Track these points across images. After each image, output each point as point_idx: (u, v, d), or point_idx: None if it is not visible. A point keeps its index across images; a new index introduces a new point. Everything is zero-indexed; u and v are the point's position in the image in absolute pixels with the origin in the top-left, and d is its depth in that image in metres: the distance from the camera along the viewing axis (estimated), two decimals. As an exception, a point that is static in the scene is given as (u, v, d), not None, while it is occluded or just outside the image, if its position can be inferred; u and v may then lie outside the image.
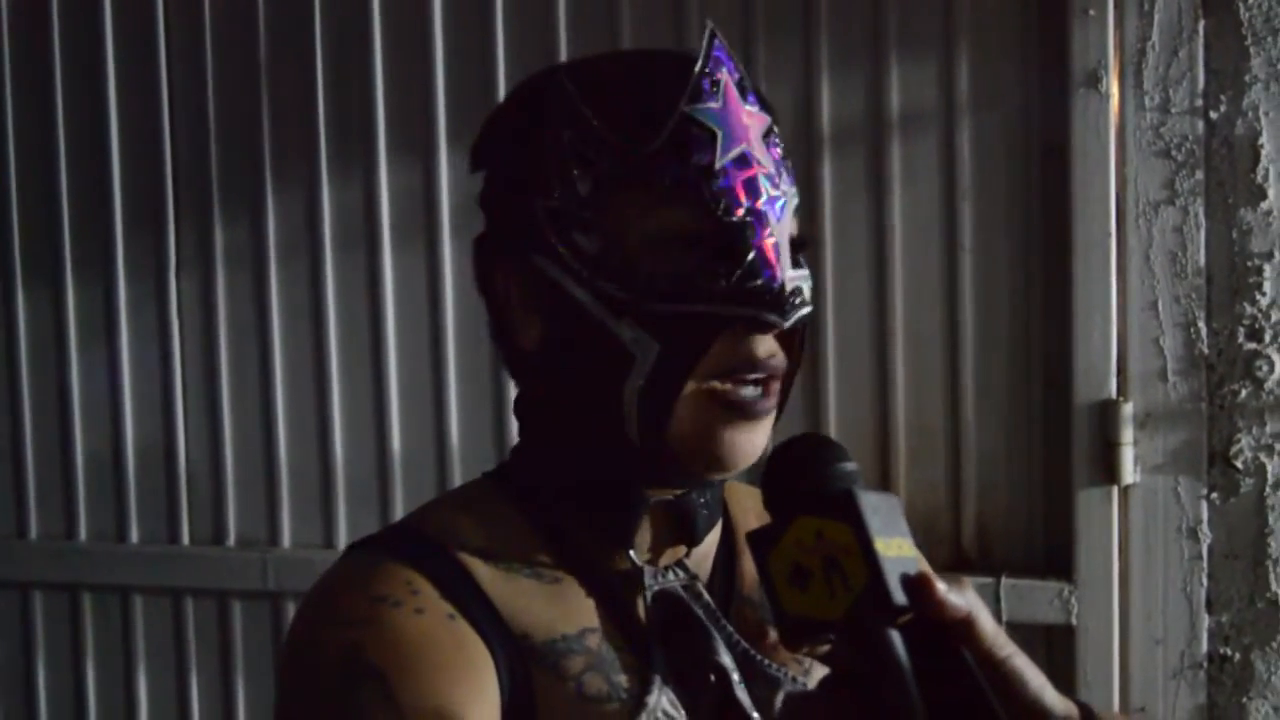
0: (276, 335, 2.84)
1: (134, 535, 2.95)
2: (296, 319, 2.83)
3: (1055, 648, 2.44)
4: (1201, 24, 2.36)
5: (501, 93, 2.65)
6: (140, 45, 2.89)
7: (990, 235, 2.48)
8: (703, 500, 1.21)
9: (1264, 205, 2.35)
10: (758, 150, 1.15)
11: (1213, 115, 2.37)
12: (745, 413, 1.14)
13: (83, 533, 2.99)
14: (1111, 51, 2.37)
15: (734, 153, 1.13)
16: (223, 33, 2.85)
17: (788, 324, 1.14)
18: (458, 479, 2.70)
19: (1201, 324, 2.38)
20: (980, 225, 2.49)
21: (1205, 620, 2.40)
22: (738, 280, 1.12)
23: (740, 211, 1.12)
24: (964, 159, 2.48)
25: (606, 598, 1.19)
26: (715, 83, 1.15)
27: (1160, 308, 2.38)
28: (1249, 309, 2.37)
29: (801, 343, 1.18)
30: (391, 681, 1.08)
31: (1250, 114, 2.35)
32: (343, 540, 2.78)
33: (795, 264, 1.17)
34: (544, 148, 1.16)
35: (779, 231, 1.14)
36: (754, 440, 1.16)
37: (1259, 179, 2.35)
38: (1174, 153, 2.37)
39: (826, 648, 1.05)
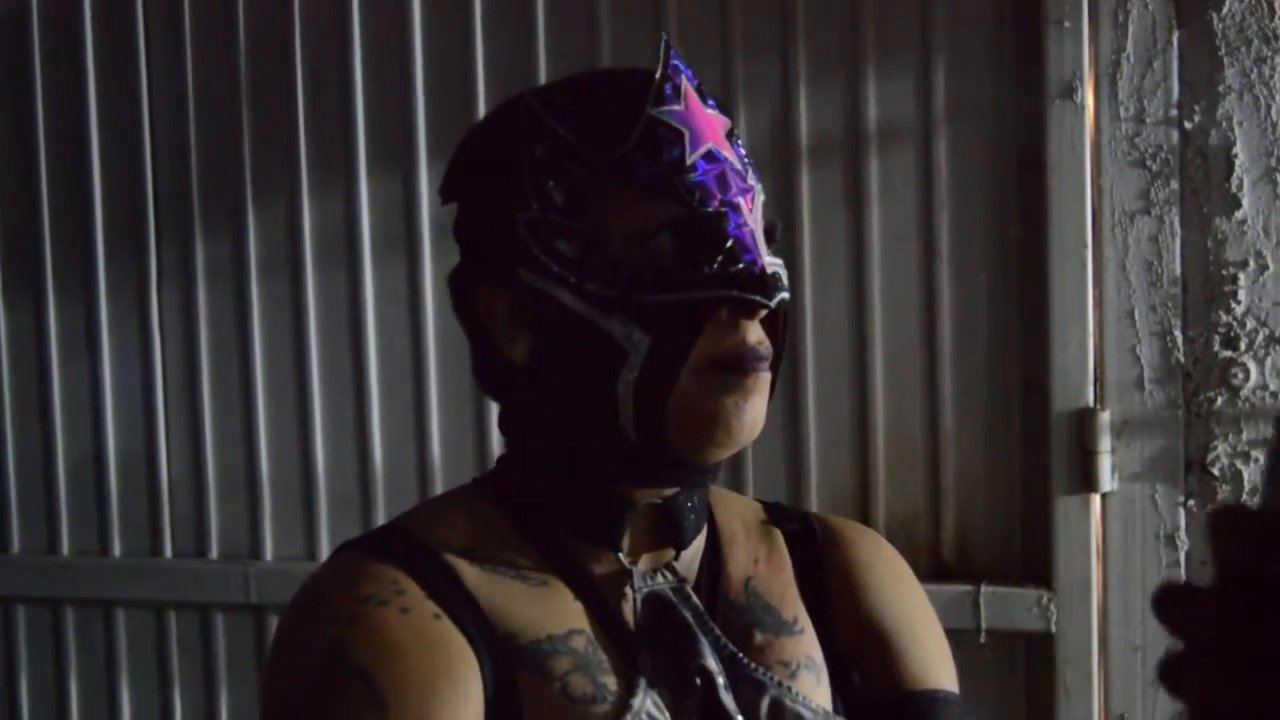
0: (258, 349, 2.84)
1: (116, 549, 2.95)
2: (278, 333, 2.83)
3: (1034, 655, 2.45)
4: (1175, 35, 2.38)
5: (481, 108, 2.66)
6: (121, 61, 2.90)
7: (967, 246, 2.50)
8: (690, 503, 1.22)
9: (1238, 214, 2.37)
10: (723, 148, 1.18)
11: (1187, 125, 2.39)
12: (743, 368, 1.15)
13: (65, 547, 2.99)
14: (1086, 63, 2.39)
15: (702, 149, 1.16)
16: (203, 48, 2.85)
17: (773, 304, 1.16)
18: (439, 490, 2.69)
19: (1177, 332, 2.40)
20: (957, 236, 2.50)
21: (1183, 627, 2.41)
22: (720, 266, 1.14)
23: (715, 202, 1.15)
24: (941, 170, 2.50)
25: (593, 600, 1.20)
26: (676, 88, 1.18)
27: (1136, 316, 2.40)
28: (1224, 317, 2.38)
29: (784, 330, 1.21)
30: (376, 681, 1.09)
31: (1224, 124, 2.37)
32: (325, 552, 2.78)
33: (770, 253, 1.19)
34: (517, 167, 1.19)
35: (752, 221, 1.18)
36: (754, 410, 1.17)
37: (1233, 188, 2.37)
38: (1149, 163, 2.39)
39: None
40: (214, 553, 2.90)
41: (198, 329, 2.87)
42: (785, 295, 1.18)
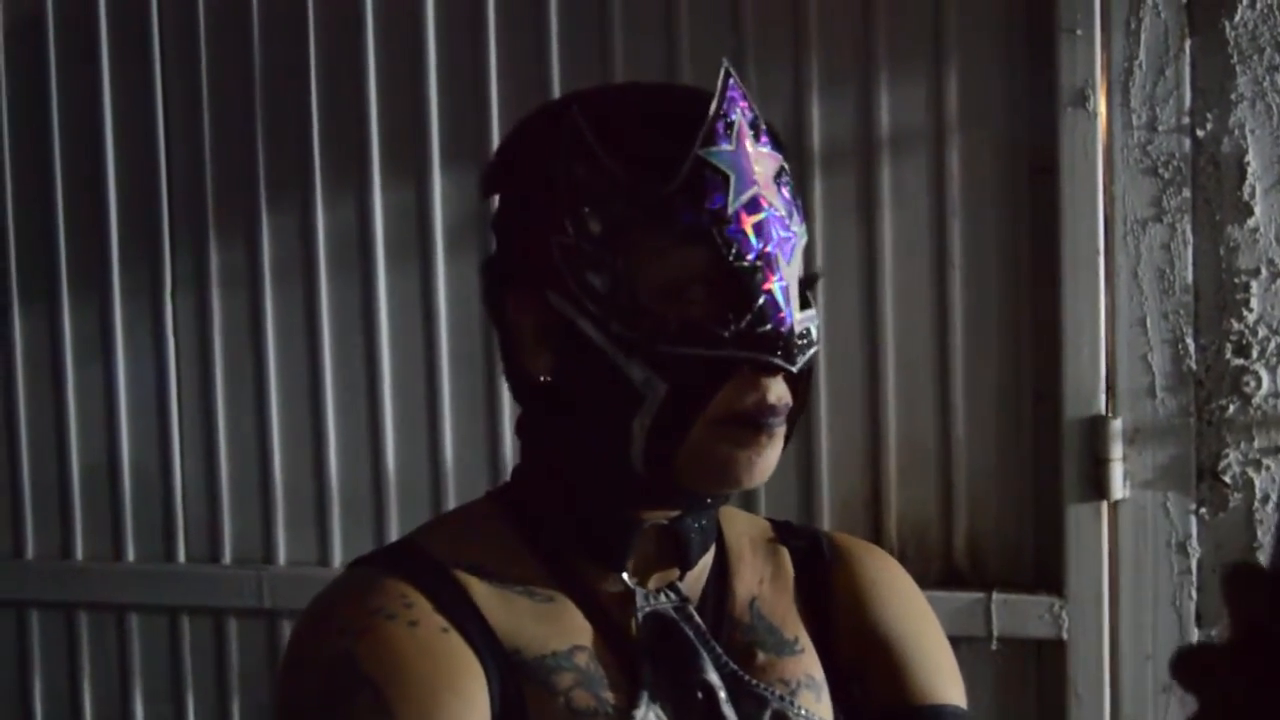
0: (271, 354, 2.85)
1: (130, 554, 2.96)
2: (291, 338, 2.84)
3: (1046, 663, 2.45)
4: (1188, 43, 2.38)
5: (495, 114, 2.67)
6: (135, 67, 2.91)
7: (980, 253, 2.50)
8: (697, 525, 1.22)
9: (1250, 222, 2.37)
10: (768, 192, 1.15)
11: (1199, 133, 2.38)
12: (759, 425, 1.15)
13: (79, 552, 3.00)
14: (1099, 70, 2.39)
15: (746, 196, 1.14)
16: (218, 55, 2.86)
17: (795, 369, 1.15)
18: (452, 496, 2.72)
19: (1189, 340, 2.39)
20: (970, 243, 2.50)
21: (1195, 634, 2.41)
22: (747, 325, 1.13)
23: (751, 256, 1.13)
24: (953, 178, 2.49)
25: (598, 617, 1.21)
26: (729, 125, 1.15)
27: (1148, 324, 2.40)
28: (1236, 325, 2.38)
29: (809, 383, 1.20)
30: (384, 691, 1.10)
31: (1236, 132, 2.37)
32: (338, 558, 2.80)
33: (804, 304, 1.18)
34: (556, 182, 1.17)
35: (788, 274, 1.16)
36: (765, 461, 1.17)
37: (1245, 196, 2.37)
38: (1161, 170, 2.39)
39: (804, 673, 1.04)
40: (227, 558, 2.90)
41: (212, 334, 2.88)
42: (812, 352, 1.17)
